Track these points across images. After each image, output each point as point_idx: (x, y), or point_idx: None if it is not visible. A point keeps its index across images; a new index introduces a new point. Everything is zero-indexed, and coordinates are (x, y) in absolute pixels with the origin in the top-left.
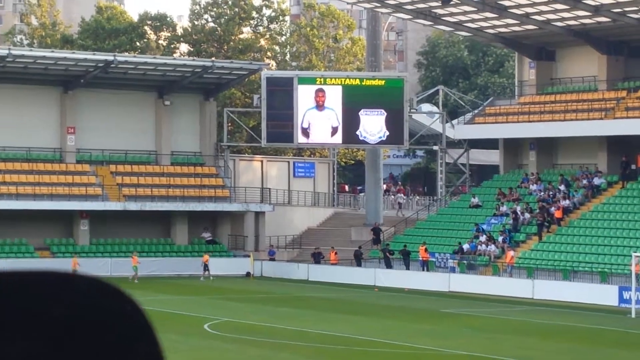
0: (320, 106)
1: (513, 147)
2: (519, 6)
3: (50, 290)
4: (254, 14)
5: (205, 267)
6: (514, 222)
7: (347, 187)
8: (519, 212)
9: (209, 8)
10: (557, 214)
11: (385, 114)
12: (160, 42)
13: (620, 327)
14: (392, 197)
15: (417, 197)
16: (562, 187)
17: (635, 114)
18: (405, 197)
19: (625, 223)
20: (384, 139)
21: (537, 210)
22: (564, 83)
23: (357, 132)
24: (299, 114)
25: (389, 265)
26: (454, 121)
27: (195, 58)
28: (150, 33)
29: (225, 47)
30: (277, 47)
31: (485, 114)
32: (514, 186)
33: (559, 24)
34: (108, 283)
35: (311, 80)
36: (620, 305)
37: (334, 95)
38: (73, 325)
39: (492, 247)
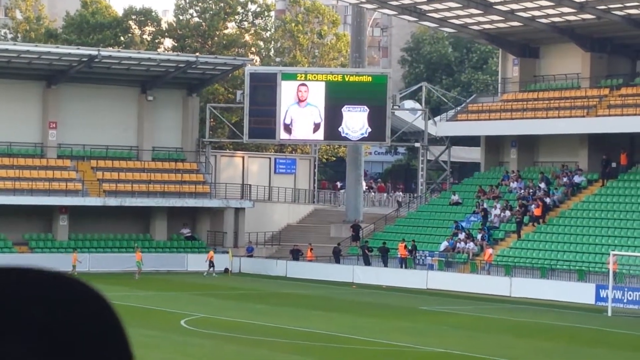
0: (301, 101)
1: (494, 145)
2: (504, 3)
3: (22, 288)
4: (239, 9)
5: (211, 264)
6: (483, 219)
7: (326, 184)
8: (488, 209)
9: (194, 3)
10: (537, 212)
11: (368, 110)
12: (144, 37)
13: (596, 325)
14: (372, 194)
15: (398, 194)
16: (542, 185)
17: (617, 112)
18: (402, 195)
19: (605, 221)
20: (366, 135)
21: (517, 208)
22: (547, 80)
23: (340, 129)
24: (282, 110)
25: (367, 263)
26: (437, 118)
27: (179, 53)
28: (135, 28)
29: (210, 43)
30: (261, 43)
31: (467, 111)
32: (494, 184)
33: (543, 20)
34: (77, 280)
35: (295, 77)
36: (597, 304)
37: (317, 92)
38: (43, 325)
39: (471, 245)
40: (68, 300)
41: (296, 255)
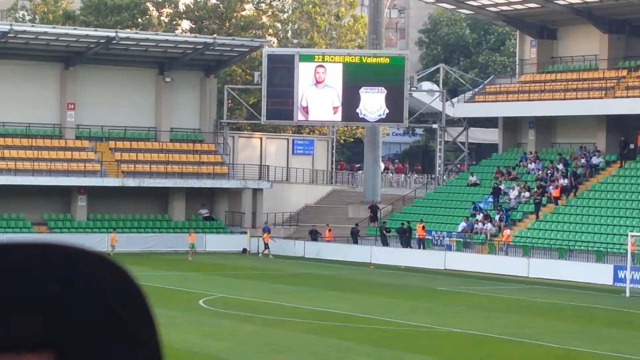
0: (319, 83)
1: (512, 126)
2: None
3: (47, 264)
4: None
5: (266, 246)
6: (494, 199)
7: (344, 165)
8: (502, 189)
9: None
10: (555, 193)
11: (386, 91)
12: (162, 18)
13: (614, 306)
14: (390, 175)
15: (416, 175)
16: (560, 166)
17: (635, 94)
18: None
19: (622, 202)
20: (384, 116)
21: (535, 189)
22: (564, 62)
23: (357, 110)
24: (299, 91)
25: (385, 243)
26: (454, 99)
27: (196, 35)
28: (153, 10)
29: (227, 24)
30: (278, 25)
31: (485, 93)
32: (512, 165)
33: (561, 2)
34: (104, 257)
35: (312, 58)
36: (615, 284)
37: (335, 73)
38: (69, 302)
39: (489, 226)
40: (90, 276)
41: (314, 235)
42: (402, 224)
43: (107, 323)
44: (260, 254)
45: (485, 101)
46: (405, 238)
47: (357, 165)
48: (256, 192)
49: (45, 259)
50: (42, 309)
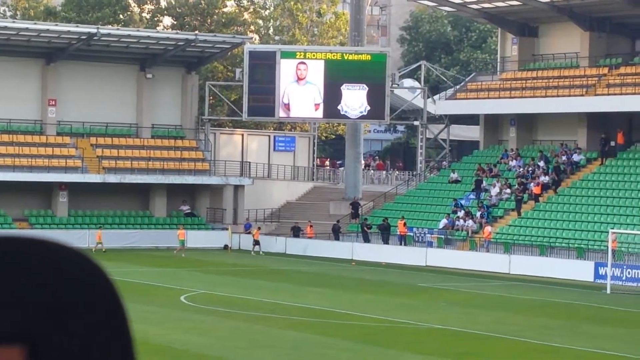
0: (300, 79)
1: (493, 123)
2: None
3: (20, 258)
4: None
5: (256, 243)
6: (476, 194)
7: (327, 162)
8: (484, 185)
9: None
10: (536, 190)
11: (367, 88)
12: (143, 15)
13: (595, 302)
14: (372, 172)
15: (397, 172)
16: (541, 163)
17: (616, 91)
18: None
19: (603, 200)
20: (365, 113)
21: (516, 186)
22: (546, 59)
23: (339, 107)
24: (281, 88)
25: (366, 240)
26: (436, 97)
27: (178, 31)
28: (134, 6)
29: (209, 21)
30: (260, 21)
31: (466, 90)
32: (493, 162)
33: None
34: (79, 252)
35: (294, 55)
36: (596, 281)
37: (316, 70)
38: (40, 296)
39: (470, 223)
40: (63, 270)
41: (297, 232)
42: (383, 220)
43: (79, 317)
44: (252, 251)
45: (466, 98)
46: (385, 234)
47: (339, 162)
48: (237, 188)
49: (18, 252)
50: (14, 303)
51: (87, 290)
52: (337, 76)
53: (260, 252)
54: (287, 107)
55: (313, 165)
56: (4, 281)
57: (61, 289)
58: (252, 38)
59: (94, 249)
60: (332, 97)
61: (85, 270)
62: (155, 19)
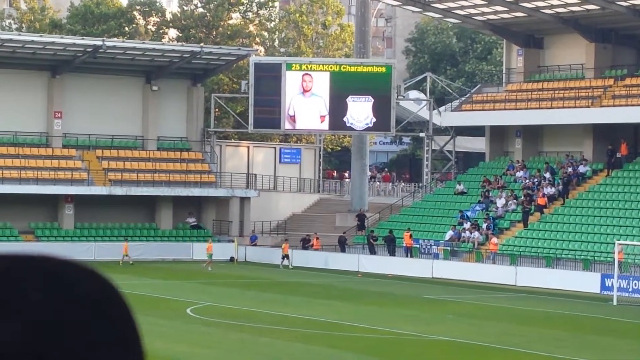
0: (306, 91)
1: (499, 135)
2: None
3: (29, 274)
4: (244, 0)
5: (285, 257)
6: (486, 207)
7: (335, 173)
8: (492, 199)
9: None
10: (541, 201)
11: (373, 100)
12: (149, 27)
13: (601, 314)
14: (377, 183)
15: (403, 184)
16: (547, 175)
17: (621, 102)
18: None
19: (609, 211)
20: (371, 125)
21: (522, 198)
22: (551, 71)
23: (344, 119)
24: (286, 100)
25: (372, 252)
26: (441, 108)
27: (183, 44)
28: (139, 18)
29: (214, 33)
30: (265, 33)
31: (472, 101)
32: (499, 173)
33: (547, 11)
34: (88, 267)
35: (299, 67)
36: (602, 293)
37: (322, 82)
38: (50, 311)
39: (476, 234)
40: (73, 285)
41: (306, 244)
42: (390, 231)
43: (88, 332)
44: (280, 265)
45: (472, 110)
46: (391, 247)
47: (347, 172)
48: (243, 200)
49: (27, 269)
50: (23, 317)
51: (96, 304)
52: (342, 88)
53: (290, 266)
54: (292, 119)
55: (319, 177)
56: (12, 296)
57: (70, 303)
58: (257, 50)
59: (121, 261)
60: (337, 109)
61: (95, 285)
62: (161, 31)
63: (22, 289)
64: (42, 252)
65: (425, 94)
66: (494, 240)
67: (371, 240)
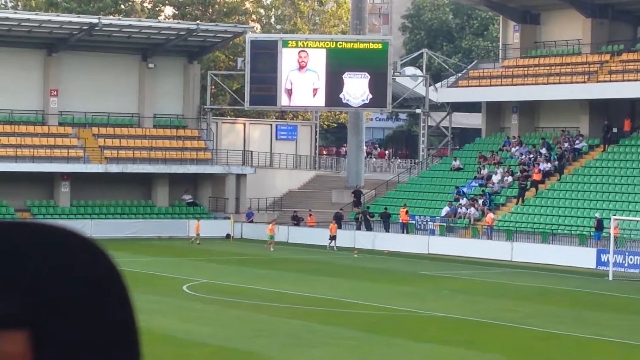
0: (302, 67)
1: (495, 110)
2: None
3: (25, 243)
4: None
5: (333, 237)
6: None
7: (333, 150)
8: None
9: None
10: (537, 177)
11: (369, 77)
12: (145, 4)
13: (597, 289)
14: (373, 160)
15: (399, 160)
16: (543, 150)
17: (618, 78)
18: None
19: (605, 186)
20: (367, 102)
21: (518, 173)
22: (547, 46)
23: (341, 95)
24: (283, 77)
25: (368, 228)
26: (438, 84)
27: (179, 21)
28: None
29: (210, 10)
30: (262, 10)
31: (468, 77)
32: (495, 149)
33: None
34: (86, 238)
35: (296, 44)
36: (598, 268)
37: (318, 58)
38: (46, 281)
39: (472, 210)
40: (69, 255)
41: (297, 220)
42: (385, 208)
43: (84, 303)
44: (327, 247)
45: (468, 86)
46: (387, 223)
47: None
48: (240, 177)
49: (23, 237)
50: (19, 287)
51: (92, 276)
52: (338, 64)
53: (335, 248)
54: (289, 92)
55: (315, 153)
56: (8, 266)
57: (66, 275)
58: (253, 27)
59: (192, 240)
60: (334, 86)
61: (91, 257)
62: (157, 8)
63: (19, 258)
64: (37, 220)
65: (422, 71)
66: (490, 215)
67: (367, 217)
